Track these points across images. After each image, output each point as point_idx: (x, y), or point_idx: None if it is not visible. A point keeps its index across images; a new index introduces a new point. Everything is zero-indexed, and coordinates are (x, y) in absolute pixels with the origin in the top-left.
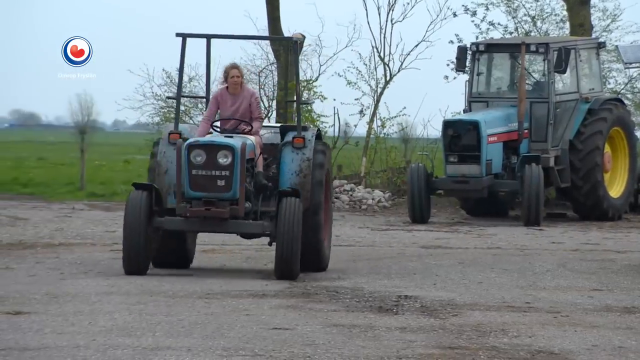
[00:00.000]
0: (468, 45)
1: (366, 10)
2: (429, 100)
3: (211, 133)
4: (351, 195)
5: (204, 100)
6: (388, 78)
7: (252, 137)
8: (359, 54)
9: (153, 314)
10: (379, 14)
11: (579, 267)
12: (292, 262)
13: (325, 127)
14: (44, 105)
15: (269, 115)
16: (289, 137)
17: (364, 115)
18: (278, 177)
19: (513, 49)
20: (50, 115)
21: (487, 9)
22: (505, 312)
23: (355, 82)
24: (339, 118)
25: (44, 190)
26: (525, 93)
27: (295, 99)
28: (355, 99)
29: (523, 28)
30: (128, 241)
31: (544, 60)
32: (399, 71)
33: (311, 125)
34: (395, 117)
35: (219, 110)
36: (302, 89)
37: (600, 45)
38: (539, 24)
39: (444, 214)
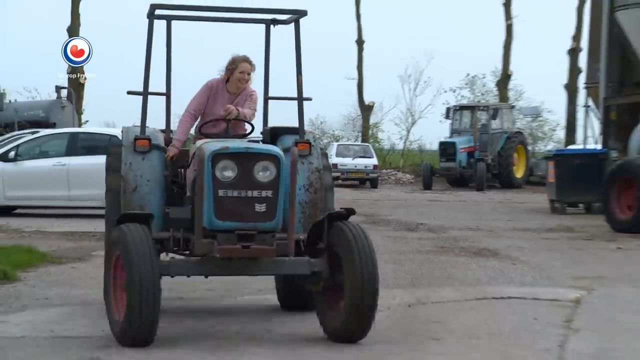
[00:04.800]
0: (450, 106)
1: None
2: None
3: (202, 137)
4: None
5: (165, 97)
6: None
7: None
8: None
9: None
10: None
11: (501, 210)
12: (371, 314)
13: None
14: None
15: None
16: (286, 142)
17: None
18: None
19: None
20: None
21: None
22: (467, 231)
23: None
24: None
25: None
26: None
27: (297, 94)
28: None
29: (480, 96)
30: (138, 299)
31: (487, 114)
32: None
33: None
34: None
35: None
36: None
37: (512, 106)
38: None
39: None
